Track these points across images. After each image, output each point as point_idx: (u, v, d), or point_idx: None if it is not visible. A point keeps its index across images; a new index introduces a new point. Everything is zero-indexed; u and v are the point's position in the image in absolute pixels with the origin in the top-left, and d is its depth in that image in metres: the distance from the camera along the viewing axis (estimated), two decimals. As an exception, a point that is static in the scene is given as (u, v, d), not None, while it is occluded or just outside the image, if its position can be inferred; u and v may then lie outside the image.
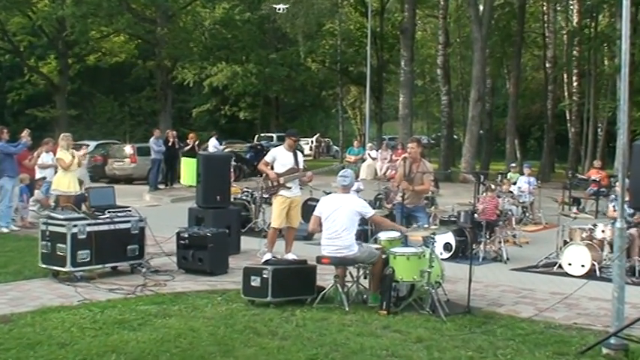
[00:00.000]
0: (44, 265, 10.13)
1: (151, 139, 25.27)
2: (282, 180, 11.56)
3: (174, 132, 27.08)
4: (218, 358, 6.58)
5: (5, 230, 14.84)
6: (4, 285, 9.64)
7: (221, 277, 10.42)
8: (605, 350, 6.95)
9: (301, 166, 11.84)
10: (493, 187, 14.76)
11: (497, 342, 7.28)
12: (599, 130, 35.25)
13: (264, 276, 8.62)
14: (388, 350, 6.92)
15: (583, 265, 11.39)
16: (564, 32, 41.17)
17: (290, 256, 11.26)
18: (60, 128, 35.48)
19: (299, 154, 11.99)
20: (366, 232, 11.87)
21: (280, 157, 11.70)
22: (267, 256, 11.02)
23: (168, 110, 39.74)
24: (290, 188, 11.59)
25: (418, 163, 11.01)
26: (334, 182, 10.90)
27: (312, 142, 53.27)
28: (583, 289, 9.17)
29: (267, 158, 11.83)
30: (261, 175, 12.13)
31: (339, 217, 8.80)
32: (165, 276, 10.41)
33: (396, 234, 9.53)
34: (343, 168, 13.33)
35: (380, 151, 30.19)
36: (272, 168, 11.71)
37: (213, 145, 30.04)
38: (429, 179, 11.36)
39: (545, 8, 39.04)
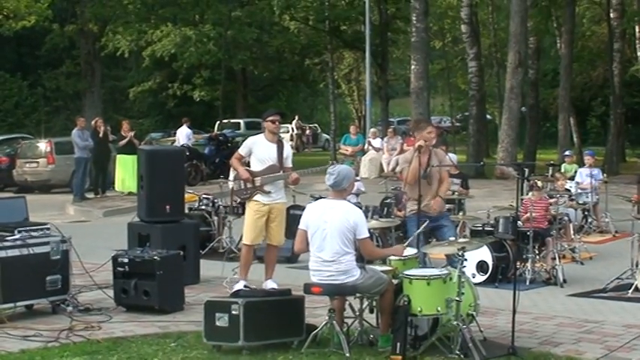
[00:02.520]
0: None
1: (74, 131, 25.16)
2: (257, 181, 11.53)
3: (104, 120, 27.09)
4: None
5: None
6: None
7: (175, 316, 10.42)
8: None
9: (289, 163, 11.77)
10: (540, 184, 14.79)
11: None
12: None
13: (234, 312, 8.61)
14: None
15: (669, 288, 11.47)
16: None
17: (269, 285, 11.29)
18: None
19: (286, 146, 11.92)
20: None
21: (258, 150, 11.63)
22: (239, 286, 11.02)
23: (96, 91, 39.70)
24: (269, 193, 11.55)
25: (429, 155, 11.01)
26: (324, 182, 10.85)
27: (292, 129, 53.13)
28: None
29: (242, 150, 11.80)
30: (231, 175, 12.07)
31: (329, 234, 8.73)
32: (99, 316, 10.39)
33: (412, 250, 9.54)
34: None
35: (386, 138, 30.25)
36: (248, 165, 11.71)
37: (184, 135, 29.98)
38: (446, 172, 11.38)
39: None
